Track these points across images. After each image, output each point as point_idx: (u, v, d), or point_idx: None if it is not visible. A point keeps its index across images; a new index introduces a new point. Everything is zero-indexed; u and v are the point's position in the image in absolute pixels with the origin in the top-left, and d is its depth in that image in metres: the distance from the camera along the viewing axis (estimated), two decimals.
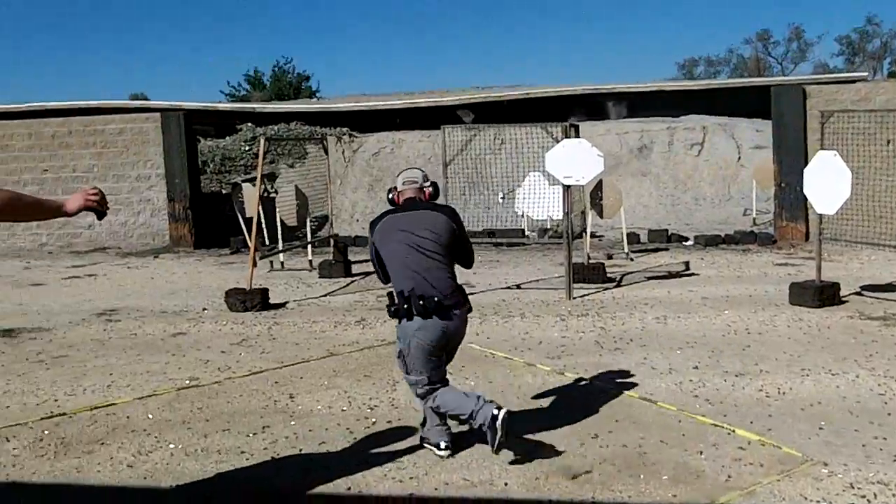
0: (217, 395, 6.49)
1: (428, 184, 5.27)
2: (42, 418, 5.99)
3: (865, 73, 37.95)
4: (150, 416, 6.01)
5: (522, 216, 16.27)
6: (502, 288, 11.44)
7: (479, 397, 4.91)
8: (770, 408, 5.89)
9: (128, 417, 5.91)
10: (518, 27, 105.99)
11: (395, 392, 6.39)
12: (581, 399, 6.19)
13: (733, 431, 5.38)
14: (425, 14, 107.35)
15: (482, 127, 11.79)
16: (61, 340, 8.73)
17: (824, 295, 9.40)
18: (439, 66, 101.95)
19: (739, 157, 23.30)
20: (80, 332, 9.15)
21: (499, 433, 4.67)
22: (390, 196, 5.38)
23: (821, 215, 9.69)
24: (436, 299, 4.85)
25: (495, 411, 4.69)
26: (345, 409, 6.07)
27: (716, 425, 5.52)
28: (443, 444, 5.02)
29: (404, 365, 5.08)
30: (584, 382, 6.66)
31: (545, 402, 6.13)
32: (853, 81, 19.41)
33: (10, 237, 18.05)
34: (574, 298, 10.42)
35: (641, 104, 25.85)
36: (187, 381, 6.93)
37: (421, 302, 4.83)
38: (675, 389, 6.43)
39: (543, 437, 5.31)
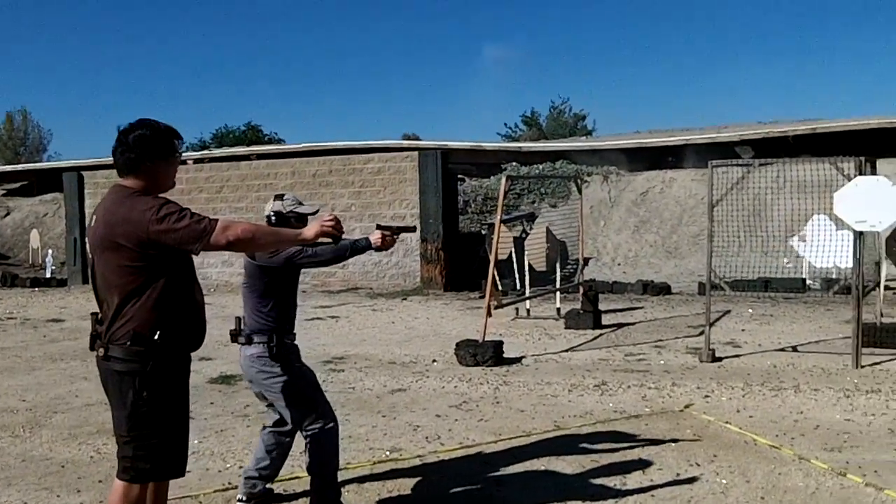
0: (414, 475, 5.54)
1: (267, 214, 4.75)
2: (216, 490, 5.30)
3: None
4: None
5: (804, 264, 14.43)
6: (775, 349, 9.80)
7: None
8: None
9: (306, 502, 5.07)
10: (804, 57, 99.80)
11: (624, 489, 5.14)
12: None
13: None
14: (696, 47, 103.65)
15: (757, 163, 10.21)
16: None
17: None
18: (717, 101, 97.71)
19: None
20: None
21: None
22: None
23: None
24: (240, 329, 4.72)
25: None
26: None
27: None
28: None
29: None
30: (871, 489, 5.07)
31: None
32: None
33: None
34: (862, 367, 8.66)
35: None
36: (387, 453, 6.04)
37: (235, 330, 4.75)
38: None
39: None
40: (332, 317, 13.47)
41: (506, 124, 61.83)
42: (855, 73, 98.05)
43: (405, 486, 5.33)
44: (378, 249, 4.56)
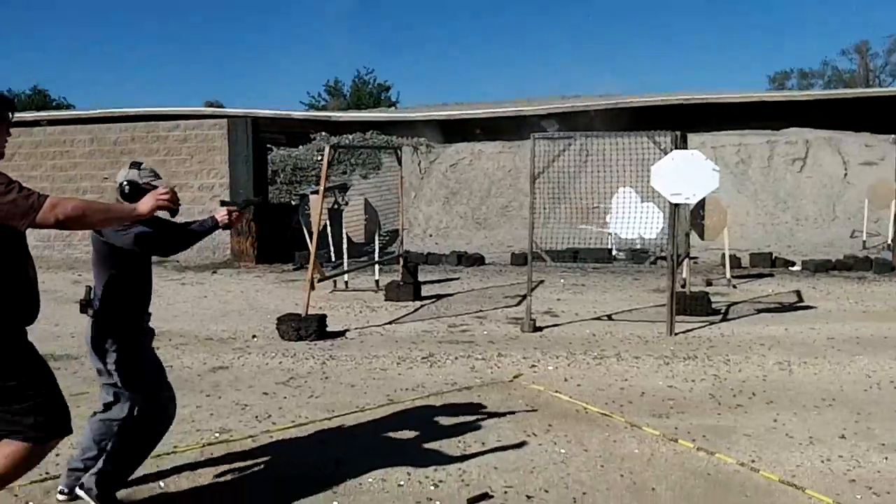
0: (248, 457, 5.26)
1: (119, 182, 4.27)
2: (33, 482, 4.80)
3: None
4: (162, 485, 4.79)
5: (609, 235, 14.93)
6: (591, 318, 10.06)
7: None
8: None
9: (133, 488, 4.69)
10: (597, 36, 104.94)
11: (465, 462, 5.07)
12: (706, 482, 4.79)
13: None
14: (501, 22, 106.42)
15: (578, 135, 10.38)
16: (88, 373, 7.52)
17: None
18: (524, 77, 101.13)
19: (846, 174, 21.52)
20: None
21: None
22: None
23: None
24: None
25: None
26: (402, 483, 4.77)
27: None
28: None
29: None
30: (703, 454, 5.25)
31: (661, 489, 4.72)
32: None
33: (66, 247, 17.25)
34: (676, 335, 9.01)
35: (737, 116, 24.10)
36: (217, 435, 5.70)
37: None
38: (824, 469, 5.00)
39: None
40: None
41: (309, 93, 61.04)
42: (657, 50, 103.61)
43: (240, 468, 5.05)
44: (225, 227, 4.31)
